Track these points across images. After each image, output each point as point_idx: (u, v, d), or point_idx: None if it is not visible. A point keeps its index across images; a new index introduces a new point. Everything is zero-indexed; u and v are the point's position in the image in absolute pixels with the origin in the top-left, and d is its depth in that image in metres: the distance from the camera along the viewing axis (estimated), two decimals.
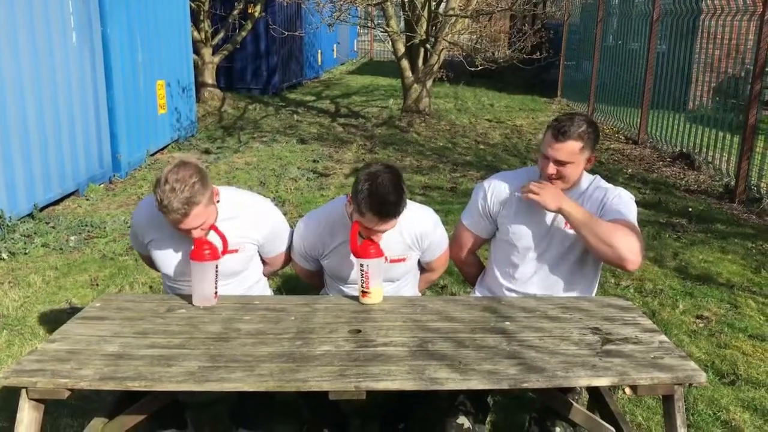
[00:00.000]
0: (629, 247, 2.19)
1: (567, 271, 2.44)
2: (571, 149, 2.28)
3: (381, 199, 2.09)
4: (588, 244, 2.26)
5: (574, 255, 2.40)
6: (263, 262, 2.59)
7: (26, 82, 5.12)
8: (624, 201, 2.35)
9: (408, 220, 2.33)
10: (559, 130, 2.28)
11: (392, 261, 2.37)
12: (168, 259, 2.37)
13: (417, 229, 2.39)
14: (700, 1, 7.38)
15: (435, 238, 2.46)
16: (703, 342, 3.39)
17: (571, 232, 2.34)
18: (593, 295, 2.52)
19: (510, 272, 2.51)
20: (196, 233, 2.17)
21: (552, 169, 2.32)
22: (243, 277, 2.48)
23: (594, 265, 2.47)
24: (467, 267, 2.79)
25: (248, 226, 2.38)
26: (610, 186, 2.44)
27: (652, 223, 5.33)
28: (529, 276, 2.47)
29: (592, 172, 2.49)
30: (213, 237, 2.25)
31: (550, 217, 2.40)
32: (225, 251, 2.27)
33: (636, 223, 2.30)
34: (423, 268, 2.64)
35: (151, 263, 2.55)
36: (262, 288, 2.62)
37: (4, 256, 4.44)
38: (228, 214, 2.31)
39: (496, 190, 2.50)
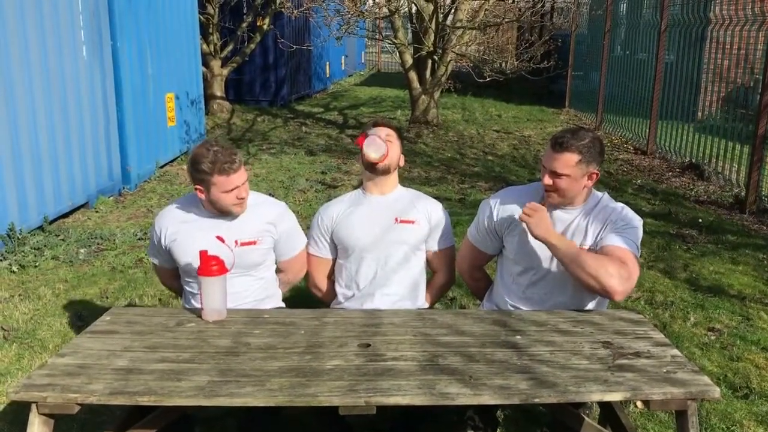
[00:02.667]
0: (615, 279, 2.12)
1: (572, 291, 2.40)
2: (567, 161, 2.25)
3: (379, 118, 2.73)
4: (574, 277, 2.21)
5: None
6: (278, 270, 2.68)
7: (37, 95, 5.17)
8: (630, 227, 2.28)
9: (420, 197, 2.68)
10: (557, 141, 2.27)
11: (402, 221, 2.57)
12: (189, 248, 2.42)
13: (428, 205, 2.65)
14: (709, 11, 7.37)
15: (443, 224, 2.65)
16: (715, 355, 3.35)
17: None
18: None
19: (516, 291, 2.49)
20: (243, 191, 2.34)
21: (547, 179, 2.30)
22: (261, 270, 2.56)
23: None
24: (474, 282, 2.79)
25: (268, 219, 2.51)
26: (618, 206, 2.38)
27: (662, 234, 5.30)
28: (534, 295, 2.45)
29: (601, 183, 2.47)
30: (219, 251, 2.28)
31: None
32: (244, 243, 2.43)
33: (636, 251, 2.24)
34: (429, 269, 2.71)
35: (165, 272, 2.63)
36: (276, 296, 2.69)
37: (15, 268, 4.46)
38: (252, 202, 2.47)
39: (502, 207, 2.47)
